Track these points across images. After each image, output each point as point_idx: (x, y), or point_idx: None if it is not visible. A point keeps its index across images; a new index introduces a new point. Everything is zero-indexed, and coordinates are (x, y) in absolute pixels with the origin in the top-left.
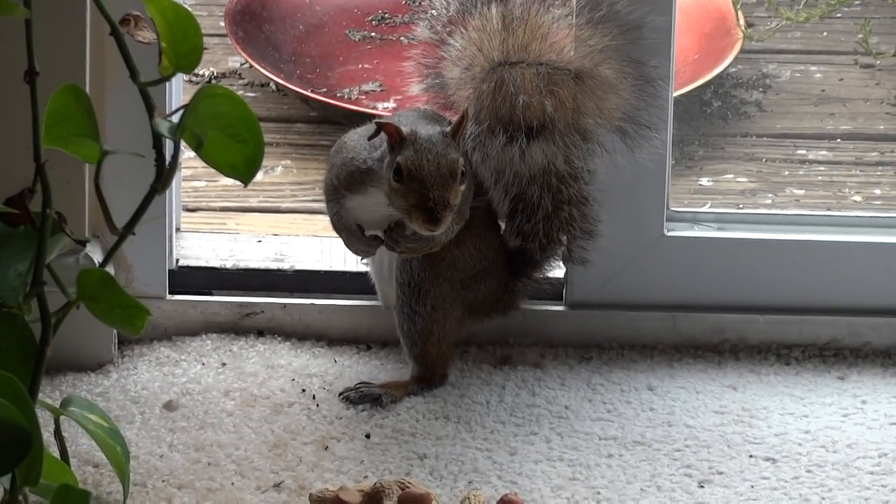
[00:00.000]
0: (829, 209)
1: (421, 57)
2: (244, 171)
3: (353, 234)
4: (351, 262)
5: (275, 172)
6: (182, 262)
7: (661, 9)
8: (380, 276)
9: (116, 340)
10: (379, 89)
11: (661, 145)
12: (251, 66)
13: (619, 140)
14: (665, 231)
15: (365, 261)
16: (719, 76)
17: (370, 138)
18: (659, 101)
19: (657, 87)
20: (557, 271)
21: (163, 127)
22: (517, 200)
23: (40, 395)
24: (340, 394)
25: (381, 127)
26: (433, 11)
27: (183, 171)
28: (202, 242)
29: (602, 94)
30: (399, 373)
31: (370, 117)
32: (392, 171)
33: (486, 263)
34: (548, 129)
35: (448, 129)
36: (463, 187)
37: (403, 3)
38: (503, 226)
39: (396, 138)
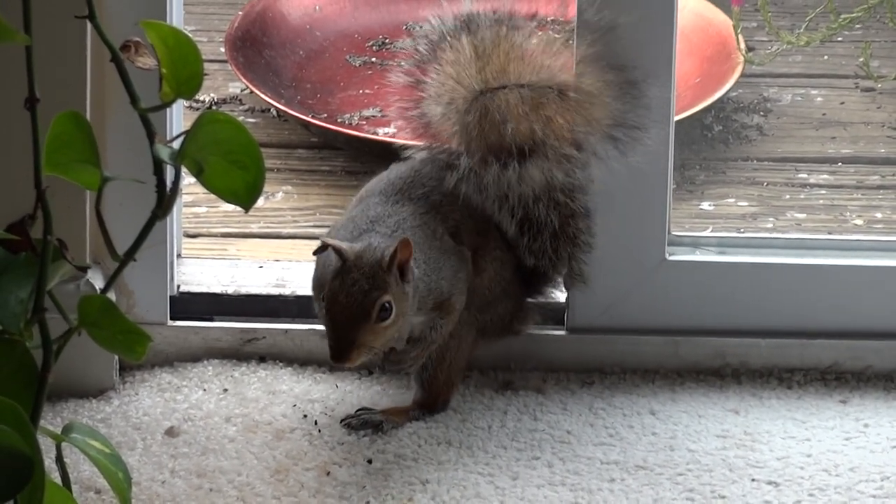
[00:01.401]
0: (830, 233)
1: (400, 101)
2: (245, 197)
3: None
4: None
5: (276, 198)
6: (183, 288)
7: (662, 32)
8: None
9: (118, 367)
10: (380, 114)
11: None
12: (252, 92)
13: (612, 147)
14: (666, 255)
15: None
16: (720, 100)
17: (315, 253)
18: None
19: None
20: (559, 295)
21: (164, 153)
22: (523, 222)
23: (42, 422)
24: (342, 420)
25: (326, 246)
26: (402, 61)
27: (184, 197)
28: (203, 268)
29: (588, 105)
30: (401, 398)
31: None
32: (322, 295)
33: (504, 285)
34: (539, 147)
35: (386, 256)
36: (386, 324)
37: (404, 28)
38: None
39: (338, 258)
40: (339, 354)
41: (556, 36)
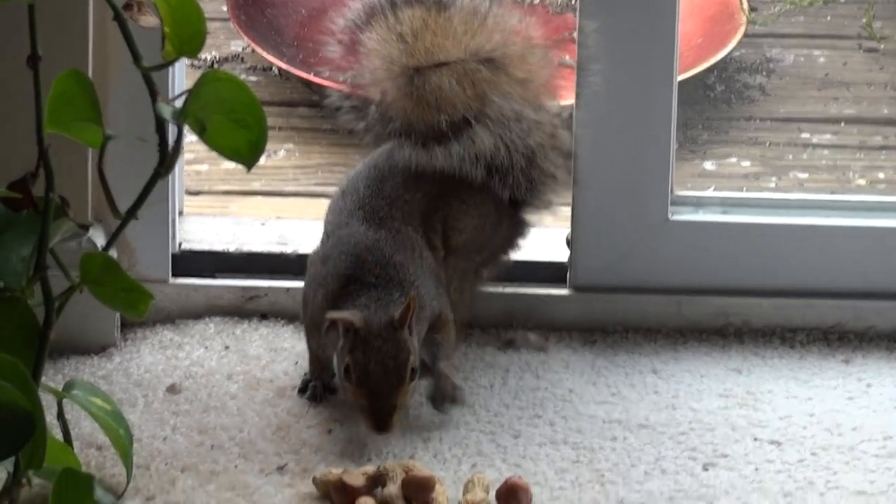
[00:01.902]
0: (832, 193)
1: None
2: (248, 155)
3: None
4: None
5: (277, 156)
6: (185, 246)
7: None
8: None
9: (119, 324)
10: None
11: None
12: (253, 51)
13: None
14: (669, 215)
15: None
16: (723, 60)
17: (325, 332)
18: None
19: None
20: (561, 255)
21: (166, 112)
22: (489, 167)
23: (43, 379)
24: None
25: (335, 322)
26: (331, 48)
27: (185, 155)
28: (205, 226)
29: (520, 65)
30: None
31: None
32: (342, 369)
33: (491, 220)
34: (482, 117)
35: (397, 315)
36: (415, 381)
37: None
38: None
39: (350, 329)
40: (383, 425)
41: (478, 9)
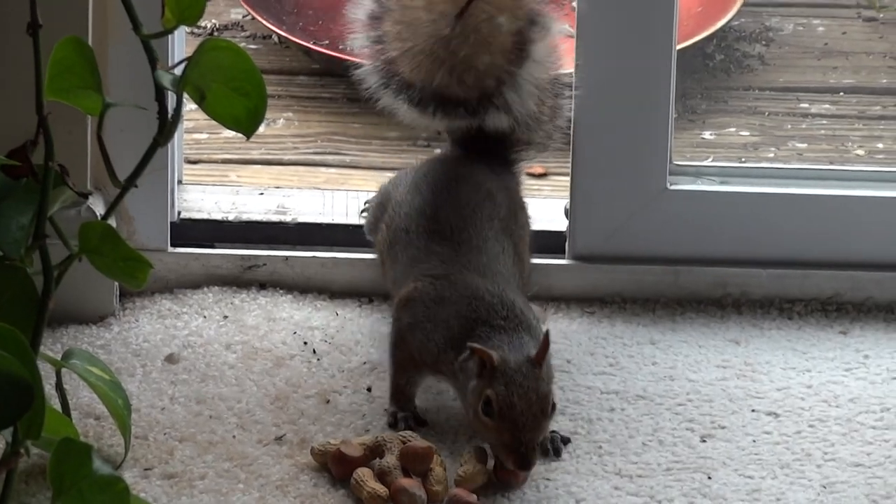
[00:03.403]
0: (831, 163)
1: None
2: (247, 123)
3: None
4: (353, 215)
5: (277, 125)
6: (184, 215)
7: None
8: None
9: (118, 293)
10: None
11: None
12: (253, 18)
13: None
14: (668, 185)
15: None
16: (722, 29)
17: (463, 361)
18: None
19: None
20: (560, 225)
21: (165, 80)
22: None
23: (42, 348)
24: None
25: (475, 352)
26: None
27: (185, 124)
28: (204, 195)
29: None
30: None
31: None
32: (482, 403)
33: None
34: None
35: (533, 354)
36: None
37: None
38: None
39: (487, 365)
40: (526, 463)
41: None
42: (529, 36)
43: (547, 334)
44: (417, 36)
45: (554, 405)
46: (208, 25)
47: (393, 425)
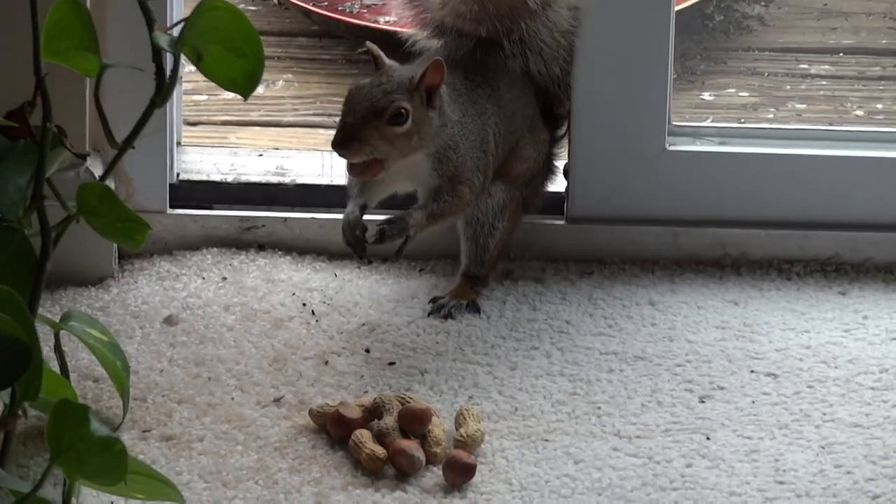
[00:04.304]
0: (830, 124)
1: None
2: (244, 85)
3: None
4: None
5: (276, 86)
6: (183, 177)
7: None
8: None
9: (117, 255)
10: (380, 2)
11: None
12: None
13: None
14: (666, 146)
15: None
16: None
17: (359, 52)
18: None
19: None
20: (558, 186)
21: (162, 41)
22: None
23: (40, 310)
24: (429, 314)
25: (370, 51)
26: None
27: (184, 85)
28: (203, 156)
29: None
30: (401, 286)
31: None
32: None
33: (540, 165)
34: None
35: (418, 74)
36: (398, 129)
37: None
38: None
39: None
40: (339, 141)
41: None
42: None
43: (437, 62)
44: None
45: (401, 114)
46: None
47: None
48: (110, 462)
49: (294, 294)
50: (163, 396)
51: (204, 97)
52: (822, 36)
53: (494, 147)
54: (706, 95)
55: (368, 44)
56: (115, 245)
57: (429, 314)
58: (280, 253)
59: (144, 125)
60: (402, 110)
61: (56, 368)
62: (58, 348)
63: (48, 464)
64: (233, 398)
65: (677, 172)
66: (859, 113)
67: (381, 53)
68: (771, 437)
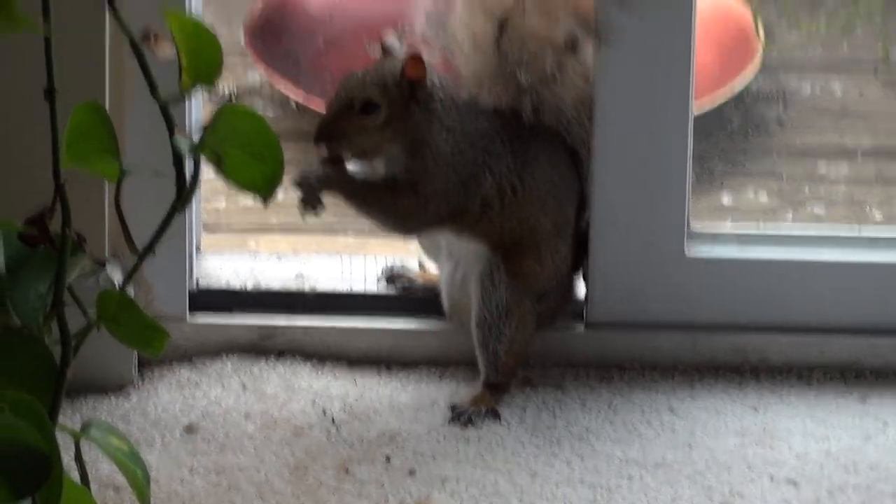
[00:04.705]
0: (849, 227)
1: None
2: (264, 188)
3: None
4: (372, 281)
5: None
6: (202, 283)
7: (681, 26)
8: (451, 285)
9: (137, 362)
10: None
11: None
12: (271, 82)
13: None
14: (685, 251)
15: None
16: (740, 92)
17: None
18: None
19: None
20: (578, 291)
21: (183, 145)
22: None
23: (60, 418)
24: (450, 420)
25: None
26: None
27: (203, 192)
28: (222, 262)
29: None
30: (421, 393)
31: None
32: None
33: (559, 279)
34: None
35: (408, 66)
36: (366, 120)
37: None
38: None
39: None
40: (316, 136)
41: None
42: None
43: (416, 55)
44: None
45: (371, 105)
46: (227, 90)
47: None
48: None
49: (314, 401)
50: None
51: (223, 203)
52: (840, 137)
53: (484, 197)
54: (725, 198)
55: (384, 36)
56: (135, 352)
57: (449, 421)
58: (300, 360)
59: (165, 230)
60: (371, 101)
61: (76, 477)
62: (78, 457)
63: None
64: None
65: (696, 278)
66: (878, 216)
67: (394, 45)
68: None
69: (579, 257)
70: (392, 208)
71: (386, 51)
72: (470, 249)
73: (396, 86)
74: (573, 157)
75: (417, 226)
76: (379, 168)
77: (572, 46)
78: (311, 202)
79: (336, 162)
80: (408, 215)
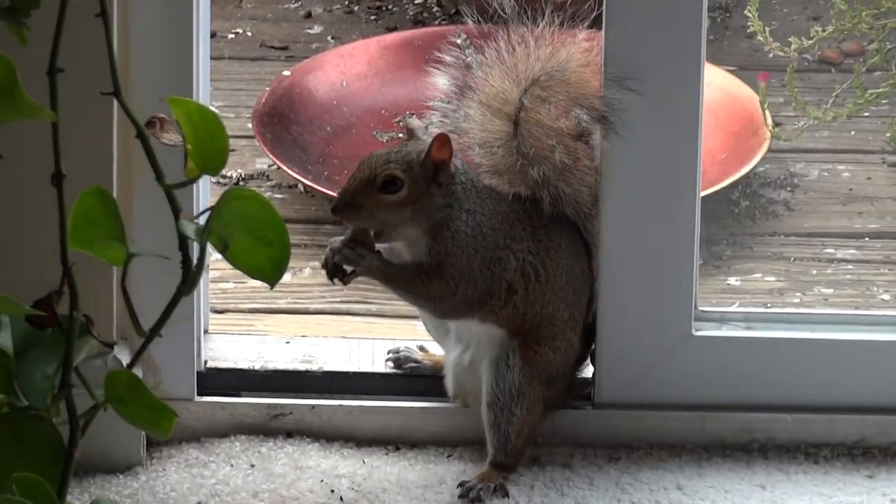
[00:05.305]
0: (857, 308)
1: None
2: (270, 273)
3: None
4: (379, 363)
5: (303, 274)
6: (210, 364)
7: (688, 108)
8: (458, 367)
9: (145, 442)
10: None
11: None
12: (279, 168)
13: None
14: (693, 331)
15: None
16: (747, 175)
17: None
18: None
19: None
20: (585, 371)
21: (189, 229)
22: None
23: (69, 498)
24: (459, 497)
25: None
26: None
27: (211, 273)
28: (230, 344)
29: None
30: (429, 472)
31: None
32: None
33: (568, 366)
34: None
35: (434, 150)
36: (390, 198)
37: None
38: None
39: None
40: (334, 207)
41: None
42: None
43: (443, 136)
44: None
45: (394, 182)
46: (234, 175)
47: None
48: None
49: (322, 481)
50: None
51: (231, 285)
52: (847, 220)
53: (509, 281)
54: (732, 280)
55: (408, 118)
56: (143, 433)
57: (458, 497)
58: (308, 440)
59: (171, 313)
60: (395, 178)
61: None
62: None
63: None
64: None
65: (704, 357)
66: (885, 297)
67: (418, 127)
68: None
69: (585, 350)
70: (423, 293)
71: (410, 132)
72: (483, 334)
73: (420, 166)
74: (587, 251)
75: (452, 310)
76: (403, 254)
77: (583, 135)
78: (338, 276)
79: (363, 240)
80: (439, 299)
